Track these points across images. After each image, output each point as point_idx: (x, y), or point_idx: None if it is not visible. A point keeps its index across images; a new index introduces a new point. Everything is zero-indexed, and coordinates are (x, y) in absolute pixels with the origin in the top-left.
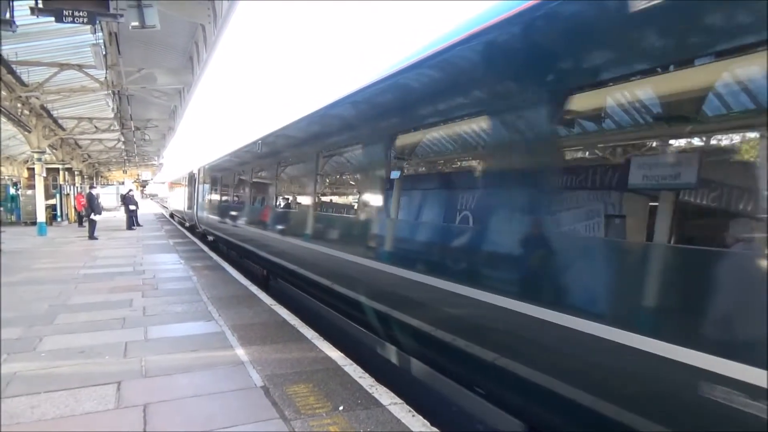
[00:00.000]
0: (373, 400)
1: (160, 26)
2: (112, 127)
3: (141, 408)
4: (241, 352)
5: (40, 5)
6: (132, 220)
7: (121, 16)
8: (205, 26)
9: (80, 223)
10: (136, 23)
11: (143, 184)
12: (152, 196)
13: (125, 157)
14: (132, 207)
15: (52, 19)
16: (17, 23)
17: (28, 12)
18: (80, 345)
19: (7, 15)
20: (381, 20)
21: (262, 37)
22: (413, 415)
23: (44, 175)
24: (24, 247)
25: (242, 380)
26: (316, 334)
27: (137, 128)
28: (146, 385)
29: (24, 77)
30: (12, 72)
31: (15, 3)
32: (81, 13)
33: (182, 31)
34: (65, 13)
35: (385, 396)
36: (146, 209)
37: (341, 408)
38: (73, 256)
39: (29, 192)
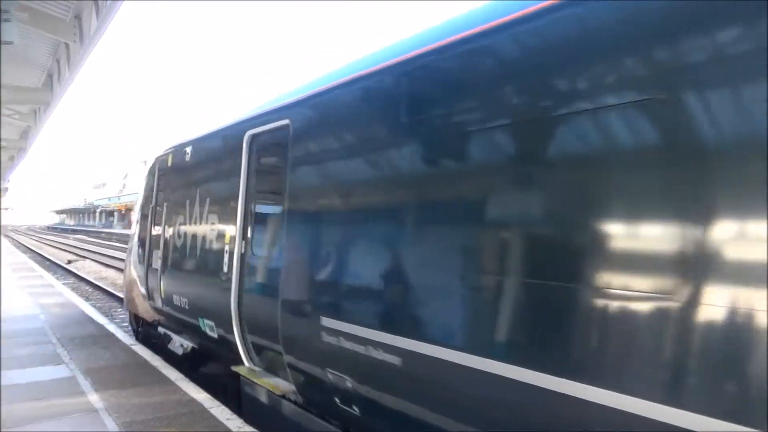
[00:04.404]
0: None
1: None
2: None
3: None
4: (95, 398)
5: None
6: None
7: None
8: (69, 44)
9: None
10: None
11: None
12: None
13: None
14: None
15: None
16: None
17: None
18: None
19: None
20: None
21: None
22: None
23: None
24: None
25: (95, 430)
26: (180, 376)
27: None
28: None
29: None
30: None
31: None
32: None
33: (42, 47)
34: None
35: None
36: None
37: None
38: None
39: None
